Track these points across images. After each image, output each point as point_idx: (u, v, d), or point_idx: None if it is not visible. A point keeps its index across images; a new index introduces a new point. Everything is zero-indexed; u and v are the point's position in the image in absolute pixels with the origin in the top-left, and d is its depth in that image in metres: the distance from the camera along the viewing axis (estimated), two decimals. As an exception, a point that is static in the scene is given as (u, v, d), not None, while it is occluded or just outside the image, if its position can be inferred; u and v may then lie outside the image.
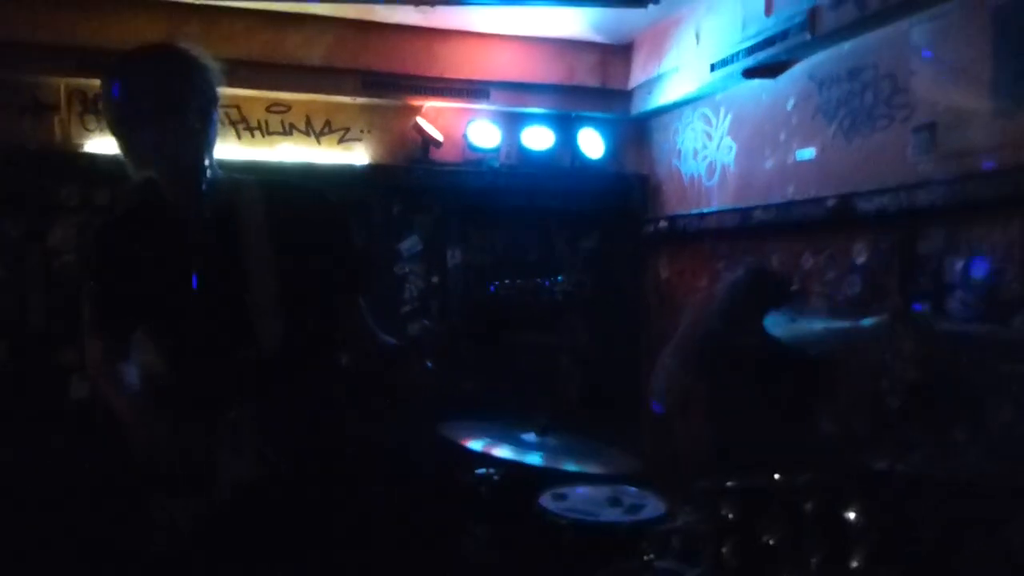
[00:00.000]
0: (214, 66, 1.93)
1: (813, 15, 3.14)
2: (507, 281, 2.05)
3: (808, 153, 3.45)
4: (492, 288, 2.02)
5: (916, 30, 2.92)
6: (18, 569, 3.39)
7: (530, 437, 2.86)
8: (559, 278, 2.02)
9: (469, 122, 4.44)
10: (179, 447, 1.80)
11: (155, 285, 1.90)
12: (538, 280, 2.02)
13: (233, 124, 4.20)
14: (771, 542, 2.14)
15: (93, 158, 3.99)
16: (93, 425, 3.65)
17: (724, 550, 2.18)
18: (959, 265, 2.77)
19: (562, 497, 2.91)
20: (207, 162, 1.91)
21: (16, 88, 3.93)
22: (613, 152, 4.72)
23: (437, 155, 4.44)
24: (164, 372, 1.93)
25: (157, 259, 1.90)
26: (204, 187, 1.88)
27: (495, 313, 2.07)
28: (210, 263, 1.87)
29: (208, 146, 1.93)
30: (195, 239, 1.90)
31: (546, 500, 2.86)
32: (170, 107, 1.82)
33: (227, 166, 2.10)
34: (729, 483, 2.21)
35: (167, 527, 1.83)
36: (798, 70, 3.50)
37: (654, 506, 2.86)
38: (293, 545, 1.90)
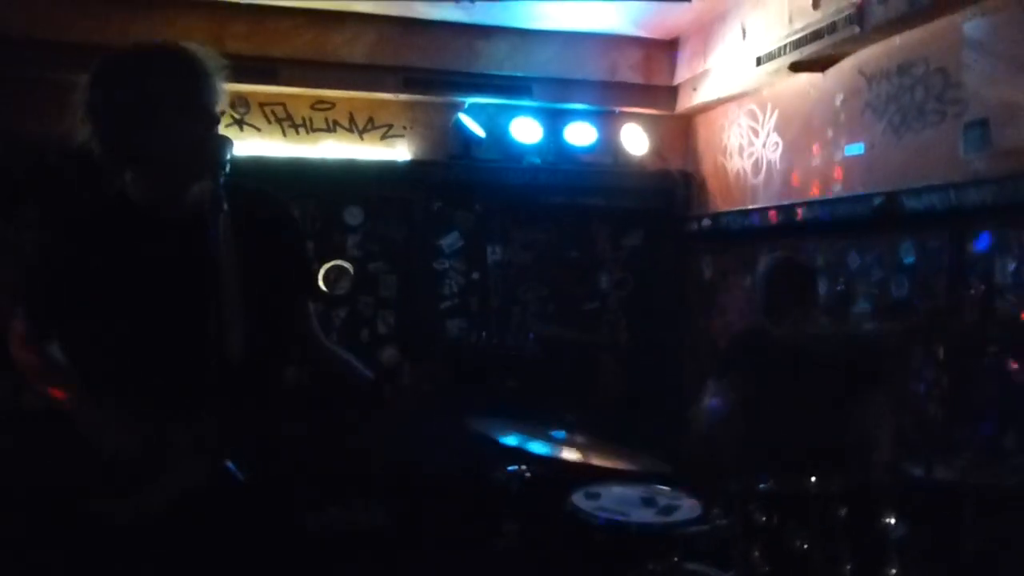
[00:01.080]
0: (221, 68, 1.84)
1: (862, 8, 3.05)
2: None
3: (856, 149, 3.36)
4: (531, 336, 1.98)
5: (969, 24, 2.82)
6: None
7: (559, 435, 2.84)
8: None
9: (511, 118, 4.43)
10: (120, 428, 1.75)
11: (117, 284, 1.82)
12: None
13: (279, 121, 4.26)
14: (804, 547, 2.09)
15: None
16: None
17: (755, 554, 2.13)
18: (1011, 266, 2.66)
19: (595, 496, 2.88)
20: (226, 167, 1.81)
21: (69, 88, 4.03)
22: (657, 149, 4.66)
23: (479, 151, 4.45)
24: (110, 376, 1.85)
25: (123, 258, 1.83)
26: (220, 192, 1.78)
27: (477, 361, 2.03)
28: (180, 267, 1.80)
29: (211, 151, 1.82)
30: (169, 243, 1.82)
31: (578, 498, 2.83)
32: (181, 110, 1.76)
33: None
34: (761, 486, 2.16)
35: (104, 526, 1.77)
36: (847, 64, 3.41)
37: (689, 507, 2.81)
38: (237, 557, 1.83)
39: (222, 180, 1.78)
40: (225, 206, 1.75)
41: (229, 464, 1.77)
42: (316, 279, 2.24)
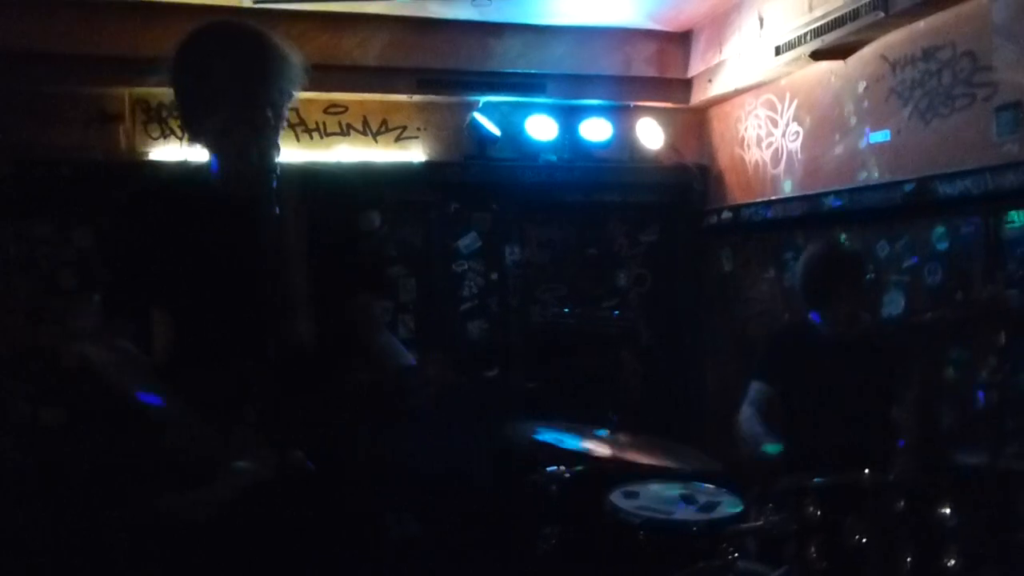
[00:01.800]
0: (296, 60, 1.82)
1: (886, -8, 3.02)
2: (566, 310, 2.00)
3: (882, 136, 3.32)
4: (558, 312, 1.98)
5: (997, 5, 2.78)
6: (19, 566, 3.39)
7: (602, 433, 2.81)
8: (615, 312, 1.95)
9: (526, 116, 4.39)
10: (191, 425, 1.73)
11: (184, 269, 1.81)
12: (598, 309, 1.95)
13: (292, 127, 4.23)
14: (861, 541, 2.05)
15: (157, 166, 4.05)
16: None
17: (811, 551, 2.09)
18: (1050, 249, 2.63)
19: (634, 495, 2.85)
20: (276, 157, 1.82)
21: (82, 100, 4.01)
22: (672, 143, 4.63)
23: (494, 151, 4.41)
24: (177, 364, 1.85)
25: (194, 243, 1.82)
26: (274, 183, 1.77)
27: (550, 337, 2.02)
28: (250, 256, 1.77)
29: (278, 140, 1.83)
30: (240, 228, 1.80)
31: (617, 497, 2.79)
32: (248, 94, 1.73)
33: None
34: (815, 480, 2.12)
35: (172, 523, 1.77)
36: (869, 51, 3.37)
37: (729, 504, 2.77)
38: (300, 550, 1.83)
39: (272, 152, 1.78)
40: (274, 182, 1.74)
41: (300, 454, 1.75)
42: (383, 276, 2.23)
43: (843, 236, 3.55)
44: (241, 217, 1.78)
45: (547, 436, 2.69)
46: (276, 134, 1.81)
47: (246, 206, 1.77)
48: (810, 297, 2.84)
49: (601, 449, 2.67)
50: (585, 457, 2.65)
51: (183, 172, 1.95)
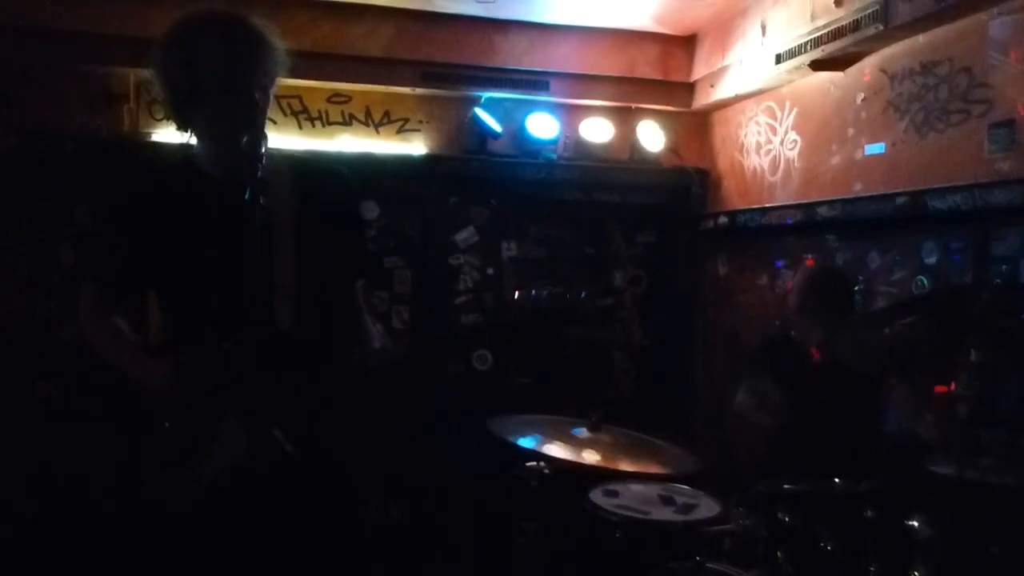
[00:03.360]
0: (279, 44, 1.88)
1: (886, 6, 3.03)
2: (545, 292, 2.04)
3: (877, 148, 3.33)
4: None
5: (995, 23, 2.79)
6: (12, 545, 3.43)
7: (580, 431, 2.84)
8: (583, 294, 2.00)
9: (527, 114, 4.41)
10: (180, 381, 1.78)
11: (176, 250, 1.86)
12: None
13: (295, 114, 4.26)
14: (829, 548, 2.08)
15: (160, 147, 4.09)
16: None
17: (779, 555, 2.13)
18: (1036, 267, 2.65)
19: (613, 494, 2.88)
20: (264, 141, 1.85)
21: (86, 79, 4.04)
22: (673, 145, 4.64)
23: (495, 147, 4.43)
24: (167, 342, 1.89)
25: (184, 225, 1.86)
26: (259, 172, 1.79)
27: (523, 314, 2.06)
28: (240, 236, 1.80)
29: (264, 125, 1.87)
30: (229, 212, 1.83)
31: (597, 496, 2.83)
32: (235, 80, 1.78)
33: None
34: (787, 486, 2.15)
35: (161, 500, 1.82)
36: (868, 63, 3.39)
37: (707, 506, 2.80)
38: (279, 532, 1.87)
39: (261, 137, 1.81)
40: (260, 166, 1.77)
41: (276, 433, 1.78)
42: (370, 259, 2.28)
43: (836, 246, 3.57)
44: (228, 200, 1.81)
45: (526, 440, 2.71)
46: (263, 117, 1.86)
47: (234, 190, 1.80)
48: (796, 312, 2.89)
49: (576, 454, 2.69)
50: (558, 461, 2.67)
51: (175, 156, 2.00)
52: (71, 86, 4.01)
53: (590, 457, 2.64)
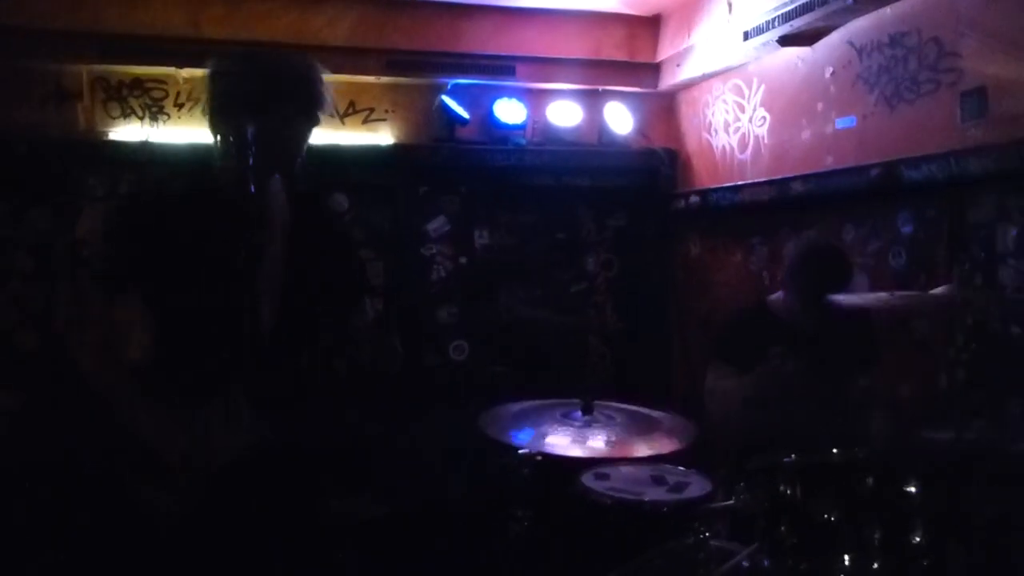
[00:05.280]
0: (326, 91, 2.02)
1: (854, -21, 3.05)
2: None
3: (848, 122, 3.36)
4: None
5: (962, -9, 2.83)
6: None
7: (576, 416, 2.83)
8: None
9: (495, 99, 4.36)
10: (171, 433, 1.82)
11: (173, 258, 1.90)
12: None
13: (257, 107, 4.15)
14: (830, 519, 2.08)
15: (117, 146, 3.96)
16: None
17: (781, 528, 2.12)
18: (1012, 233, 2.69)
19: (604, 476, 2.86)
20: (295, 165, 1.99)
21: (39, 76, 3.89)
22: (641, 127, 4.63)
23: (463, 133, 4.38)
24: (156, 344, 1.93)
25: (184, 237, 1.91)
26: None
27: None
28: (235, 246, 1.87)
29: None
30: (230, 223, 1.90)
31: (588, 479, 2.81)
32: (292, 127, 1.93)
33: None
34: (785, 459, 2.15)
35: (151, 510, 1.84)
36: (836, 37, 3.41)
37: (699, 484, 2.80)
38: (277, 526, 1.92)
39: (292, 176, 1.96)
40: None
41: (267, 432, 1.83)
42: (362, 277, 2.53)
43: (812, 221, 3.60)
44: (234, 211, 1.88)
45: (521, 436, 2.71)
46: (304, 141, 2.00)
47: (241, 203, 1.88)
48: (794, 290, 2.88)
49: (578, 448, 2.70)
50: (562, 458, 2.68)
51: (181, 164, 2.05)
52: (21, 85, 3.86)
53: (596, 445, 2.66)
